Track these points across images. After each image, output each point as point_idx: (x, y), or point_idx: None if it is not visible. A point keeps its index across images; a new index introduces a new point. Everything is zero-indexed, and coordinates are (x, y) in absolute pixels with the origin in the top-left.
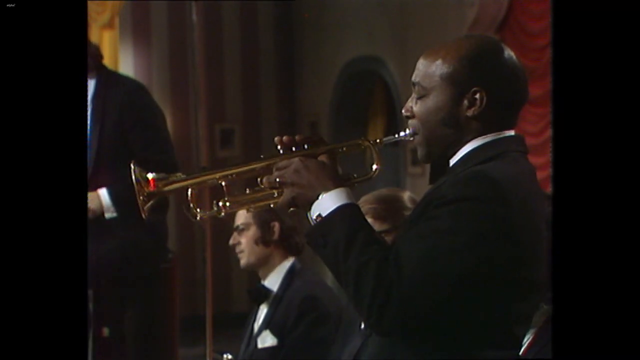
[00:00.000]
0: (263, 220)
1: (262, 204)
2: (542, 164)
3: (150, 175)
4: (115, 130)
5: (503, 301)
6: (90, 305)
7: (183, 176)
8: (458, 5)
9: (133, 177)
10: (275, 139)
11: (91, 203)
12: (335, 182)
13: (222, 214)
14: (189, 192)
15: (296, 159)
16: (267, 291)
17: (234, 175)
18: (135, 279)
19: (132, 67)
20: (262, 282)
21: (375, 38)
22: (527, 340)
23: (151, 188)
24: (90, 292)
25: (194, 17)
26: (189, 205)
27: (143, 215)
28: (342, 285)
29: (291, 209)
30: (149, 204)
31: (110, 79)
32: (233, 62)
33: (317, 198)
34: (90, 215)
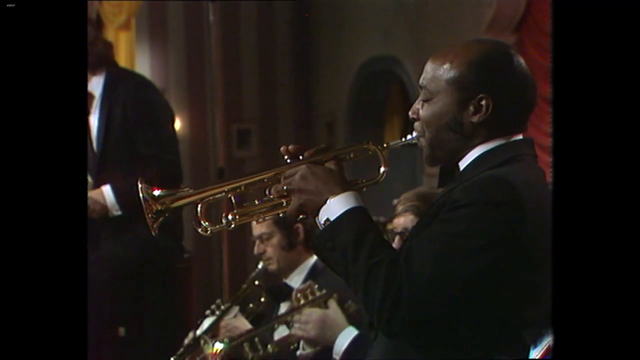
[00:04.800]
0: (287, 225)
1: (271, 213)
2: None
3: (156, 193)
4: (121, 127)
5: (512, 305)
6: (107, 305)
7: (191, 191)
8: (475, 5)
9: (140, 195)
10: (282, 148)
11: (94, 203)
12: (342, 186)
13: (232, 226)
14: (198, 207)
15: (303, 166)
16: (289, 289)
17: (242, 188)
18: (151, 279)
19: (149, 68)
20: (284, 280)
21: (392, 38)
22: (548, 342)
23: (159, 206)
24: (107, 292)
25: (211, 17)
26: (199, 220)
27: (153, 233)
28: (351, 287)
29: (300, 216)
30: (159, 221)
31: (119, 76)
32: (250, 62)
33: (325, 203)
34: (94, 215)
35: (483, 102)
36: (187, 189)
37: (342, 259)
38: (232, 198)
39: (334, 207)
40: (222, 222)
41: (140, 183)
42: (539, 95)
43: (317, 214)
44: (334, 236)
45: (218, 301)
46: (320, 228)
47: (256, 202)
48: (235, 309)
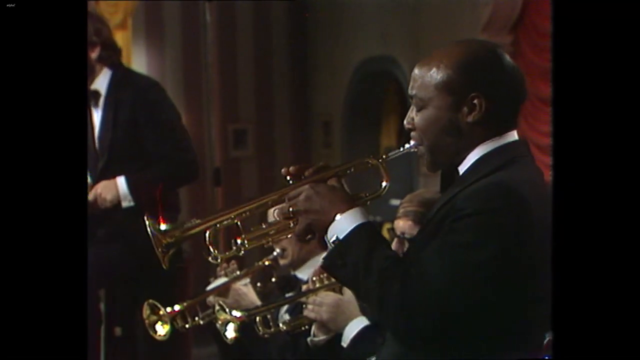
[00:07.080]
0: None
1: (279, 235)
2: None
3: (163, 227)
4: (128, 127)
5: (524, 305)
6: (103, 305)
7: (198, 221)
8: (472, 5)
9: (148, 230)
10: (282, 170)
11: (108, 192)
12: (348, 203)
13: (242, 252)
14: (207, 235)
15: (306, 186)
16: (298, 281)
17: (247, 213)
18: (148, 279)
19: (145, 67)
20: (294, 272)
21: (389, 38)
22: (547, 339)
23: (168, 239)
24: (102, 292)
25: (208, 17)
26: (208, 248)
27: (164, 266)
28: (363, 301)
29: (309, 236)
30: (169, 253)
31: (125, 76)
32: (246, 62)
33: (333, 221)
34: (107, 205)
35: (476, 101)
36: (195, 219)
37: (354, 275)
38: (239, 223)
39: (342, 225)
40: (232, 248)
41: (147, 219)
42: (534, 94)
43: (326, 233)
44: (344, 254)
45: (233, 265)
46: (330, 246)
47: (263, 226)
48: (247, 279)
